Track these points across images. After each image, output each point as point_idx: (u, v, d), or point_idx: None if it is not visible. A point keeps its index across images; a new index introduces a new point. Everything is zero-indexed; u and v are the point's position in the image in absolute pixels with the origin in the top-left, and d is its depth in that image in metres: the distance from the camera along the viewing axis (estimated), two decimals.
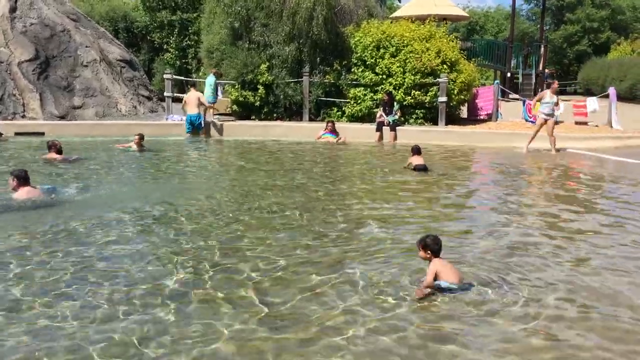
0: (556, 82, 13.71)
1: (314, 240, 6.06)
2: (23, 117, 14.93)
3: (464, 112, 17.66)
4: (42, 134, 14.11)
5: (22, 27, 16.32)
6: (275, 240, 6.00)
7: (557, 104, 12.68)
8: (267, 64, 15.73)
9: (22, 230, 6.45)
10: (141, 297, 4.55)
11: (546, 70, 28.32)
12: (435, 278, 4.66)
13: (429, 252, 4.78)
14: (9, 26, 16.21)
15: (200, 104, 14.54)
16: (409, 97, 15.40)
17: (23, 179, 7.70)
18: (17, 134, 13.93)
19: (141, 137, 12.15)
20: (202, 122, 14.71)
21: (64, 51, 16.50)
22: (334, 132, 14.24)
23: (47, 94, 15.48)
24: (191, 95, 14.60)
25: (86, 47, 16.88)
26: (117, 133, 13.75)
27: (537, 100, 13.01)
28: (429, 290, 4.63)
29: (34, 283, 4.83)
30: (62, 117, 15.19)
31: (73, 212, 7.25)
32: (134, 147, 11.99)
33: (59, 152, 10.56)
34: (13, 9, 16.63)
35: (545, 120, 12.49)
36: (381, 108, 14.82)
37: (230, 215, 7.16)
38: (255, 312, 4.25)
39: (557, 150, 12.54)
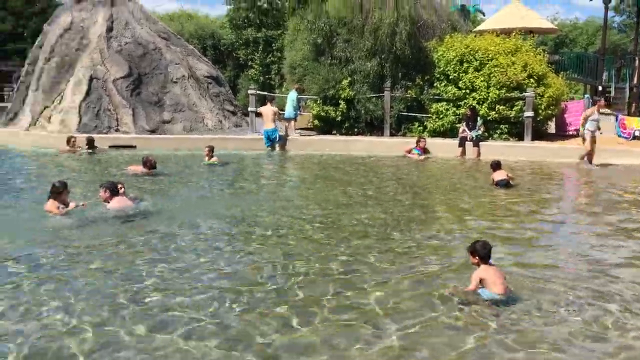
0: (602, 99, 13.65)
1: (403, 254, 5.98)
2: (117, 130, 15.73)
3: (551, 127, 16.99)
4: (134, 147, 14.81)
5: (117, 46, 17.24)
6: (378, 259, 5.98)
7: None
8: (349, 79, 15.81)
9: (114, 238, 6.75)
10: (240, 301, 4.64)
11: None
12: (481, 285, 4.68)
13: (477, 257, 4.81)
14: (106, 45, 17.16)
15: (274, 119, 14.78)
16: (493, 112, 15.00)
17: (113, 190, 8.10)
18: (110, 146, 14.69)
19: (211, 149, 12.55)
20: (278, 136, 14.94)
21: (155, 68, 17.28)
22: (423, 150, 14.06)
23: (139, 109, 16.24)
24: (266, 110, 14.90)
25: (176, 64, 17.60)
26: (203, 146, 14.21)
27: (584, 118, 12.67)
28: (463, 289, 4.70)
29: (127, 287, 5.02)
30: (152, 131, 15.87)
31: (158, 222, 7.53)
32: (206, 159, 12.38)
33: (152, 167, 11.01)
34: (109, 29, 17.60)
35: (593, 137, 12.48)
36: (464, 123, 14.52)
37: (318, 230, 7.20)
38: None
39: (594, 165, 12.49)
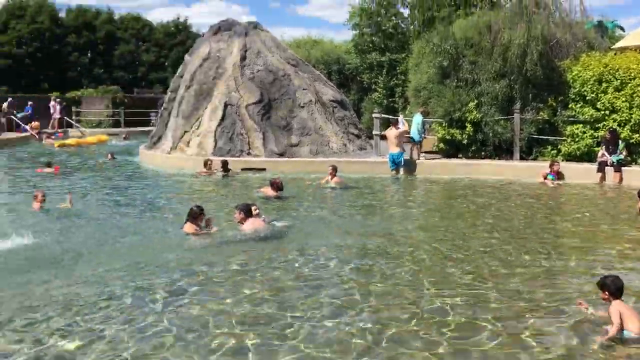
0: None
1: (545, 285, 5.74)
2: (248, 154, 16.51)
3: None
4: (264, 169, 15.46)
5: (250, 74, 18.16)
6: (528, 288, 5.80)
7: None
8: (476, 101, 15.47)
9: (243, 257, 7.06)
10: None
11: None
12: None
13: (607, 292, 4.64)
14: (240, 73, 18.14)
15: (400, 142, 14.74)
16: (637, 135, 13.97)
17: (247, 212, 8.50)
18: (243, 169, 15.44)
19: (334, 168, 12.82)
20: (403, 160, 14.87)
21: (284, 94, 17.98)
22: (557, 174, 13.40)
23: (269, 133, 16.95)
24: (391, 133, 14.92)
25: (303, 89, 18.20)
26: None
27: None
28: (614, 332, 4.40)
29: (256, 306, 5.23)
30: (281, 155, 16.48)
31: (289, 243, 7.78)
32: (330, 181, 12.61)
33: (279, 189, 11.43)
34: (243, 58, 18.61)
35: None
36: (603, 146, 13.63)
37: (444, 252, 7.09)
38: None
39: None
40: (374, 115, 17.05)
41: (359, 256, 7.17)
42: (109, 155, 18.46)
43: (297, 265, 6.74)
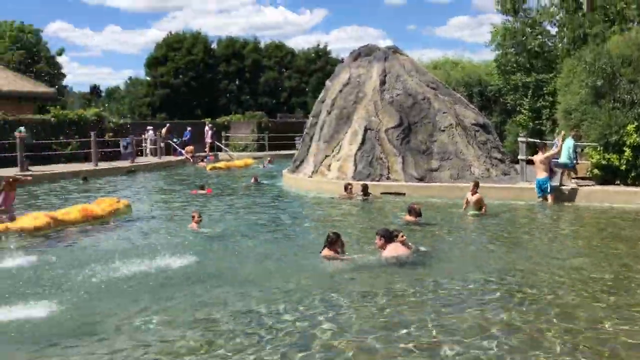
0: None
1: None
2: (387, 178, 16.53)
3: None
4: (403, 194, 15.39)
5: (389, 98, 18.26)
6: None
7: None
8: (636, 123, 14.26)
9: (387, 285, 7.02)
10: None
11: None
12: None
13: None
14: (379, 97, 18.31)
15: (547, 167, 13.94)
16: None
17: (388, 238, 8.48)
18: (382, 193, 15.50)
19: (476, 184, 12.60)
20: (551, 186, 14.03)
21: (423, 118, 17.84)
22: None
23: (408, 157, 16.87)
24: (537, 158, 14.18)
25: (443, 112, 17.94)
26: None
27: None
28: None
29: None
30: (420, 179, 16.32)
31: (428, 271, 7.63)
32: (470, 199, 12.21)
33: (418, 215, 11.31)
34: (382, 82, 18.77)
35: None
36: None
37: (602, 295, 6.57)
38: None
39: None
40: (519, 139, 16.35)
41: (499, 291, 6.82)
42: (254, 178, 19.37)
43: (436, 294, 6.59)
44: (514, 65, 23.88)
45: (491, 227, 11.13)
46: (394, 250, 8.39)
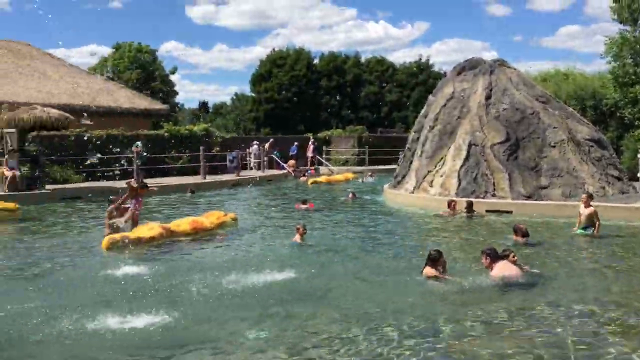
0: None
1: None
2: (493, 195, 15.98)
3: None
4: (510, 212, 14.81)
5: (495, 112, 17.70)
6: None
7: None
8: None
9: (486, 311, 6.72)
10: None
11: None
12: None
13: None
14: (484, 112, 17.80)
15: None
16: None
17: (495, 256, 8.19)
18: (487, 211, 14.99)
19: (589, 196, 12.03)
20: None
21: (532, 133, 17.12)
22: None
23: (516, 174, 16.23)
24: None
25: (554, 127, 17.13)
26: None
27: None
28: None
29: None
30: (528, 197, 15.64)
31: (539, 295, 7.24)
32: (582, 213, 11.55)
33: (525, 235, 10.83)
34: (488, 97, 18.24)
35: None
36: None
37: None
38: None
39: None
40: (639, 155, 15.29)
41: (607, 325, 6.30)
42: (351, 194, 19.28)
43: (546, 322, 6.23)
44: (633, 76, 22.37)
45: (604, 251, 10.41)
46: (502, 269, 8.08)
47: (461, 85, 19.13)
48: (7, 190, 17.85)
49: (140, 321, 6.31)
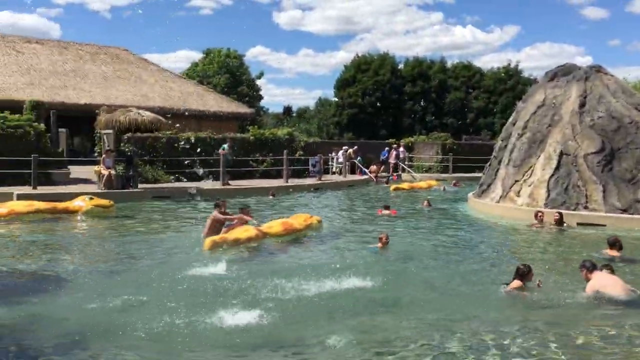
0: None
1: None
2: (585, 207, 15.23)
3: None
4: (604, 226, 14.06)
5: (590, 121, 16.86)
6: None
7: None
8: None
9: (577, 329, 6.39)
10: None
11: None
12: None
13: None
14: (578, 120, 17.00)
15: None
16: None
17: (592, 267, 7.83)
18: (578, 224, 14.31)
19: None
20: None
21: (630, 143, 16.18)
22: None
23: (611, 186, 15.40)
24: None
25: None
26: None
27: None
28: None
29: None
30: (624, 210, 14.79)
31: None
32: None
33: (620, 249, 10.28)
34: (582, 104, 17.41)
35: None
36: None
37: None
38: None
39: None
40: None
41: None
42: (426, 202, 18.71)
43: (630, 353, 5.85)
44: None
45: None
46: (601, 280, 7.62)
47: (553, 92, 18.37)
48: (103, 188, 18.90)
49: (227, 320, 6.49)
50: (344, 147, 31.28)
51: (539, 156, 16.96)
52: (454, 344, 5.84)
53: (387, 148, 33.38)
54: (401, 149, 33.74)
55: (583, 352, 5.67)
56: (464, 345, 5.82)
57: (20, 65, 32.38)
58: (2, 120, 20.37)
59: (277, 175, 26.08)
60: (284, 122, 63.35)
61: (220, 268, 9.14)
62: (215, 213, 12.07)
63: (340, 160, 30.49)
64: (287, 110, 74.87)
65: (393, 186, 25.80)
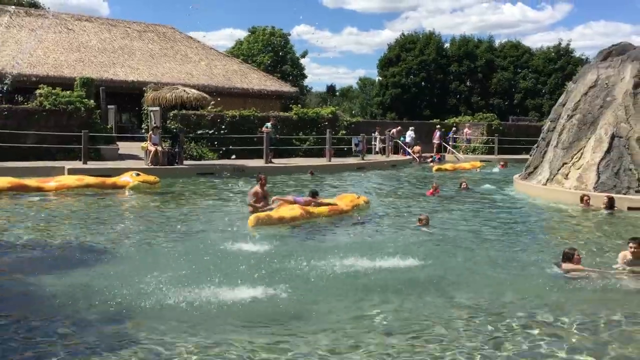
0: None
1: None
2: (637, 192, 14.74)
3: None
4: None
5: None
6: None
7: None
8: None
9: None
10: None
11: None
12: None
13: None
14: (632, 102, 16.39)
15: None
16: None
17: None
18: (629, 208, 13.89)
19: None
20: None
21: None
22: None
23: None
24: None
25: None
26: None
27: None
28: None
29: None
30: None
31: None
32: None
33: None
34: (637, 85, 16.76)
35: None
36: None
37: None
38: None
39: None
40: None
41: None
42: (464, 183, 18.19)
43: None
44: None
45: None
46: None
47: (606, 72, 17.72)
48: (150, 164, 19.31)
49: (264, 295, 6.57)
50: (398, 128, 31.76)
51: (589, 138, 16.45)
52: (502, 327, 5.77)
53: (439, 126, 33.32)
54: (467, 130, 33.61)
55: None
56: (510, 328, 5.75)
57: (71, 42, 33.15)
58: (54, 97, 20.98)
59: (320, 154, 26.13)
60: (327, 101, 63.21)
61: (261, 245, 9.22)
62: (257, 187, 12.20)
63: (379, 139, 30.44)
64: (331, 89, 74.66)
65: (436, 167, 25.53)
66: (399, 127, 32.39)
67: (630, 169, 15.26)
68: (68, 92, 21.72)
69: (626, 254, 8.07)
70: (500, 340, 5.39)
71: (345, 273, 7.65)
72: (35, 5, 44.48)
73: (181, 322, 5.75)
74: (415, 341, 5.37)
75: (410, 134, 31.91)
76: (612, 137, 15.89)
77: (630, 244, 8.03)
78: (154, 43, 36.86)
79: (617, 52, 18.24)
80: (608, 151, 15.78)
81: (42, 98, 20.89)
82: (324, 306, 6.41)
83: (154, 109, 21.43)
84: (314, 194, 12.49)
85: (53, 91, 21.23)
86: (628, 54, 17.80)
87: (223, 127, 24.21)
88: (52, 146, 20.09)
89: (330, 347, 5.19)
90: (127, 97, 30.87)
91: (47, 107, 20.65)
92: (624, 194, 14.74)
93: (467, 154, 32.92)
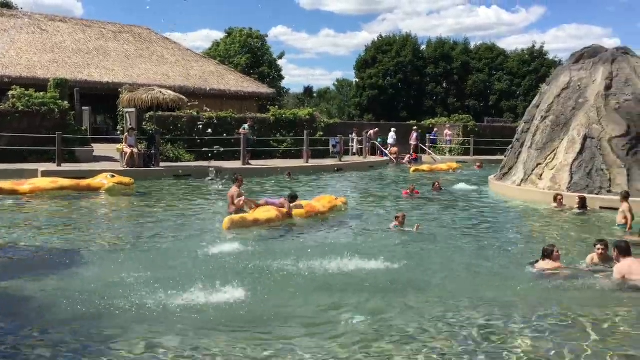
0: None
1: None
2: (608, 191, 15.03)
3: None
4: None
5: (616, 104, 16.55)
6: None
7: None
8: None
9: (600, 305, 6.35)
10: None
11: None
12: None
13: None
14: (603, 103, 16.70)
15: None
16: None
17: (625, 251, 7.72)
18: (601, 208, 14.15)
19: None
20: None
21: None
22: None
23: (635, 170, 15.16)
24: None
25: None
26: None
27: None
28: None
29: None
30: None
31: None
32: None
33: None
34: (608, 87, 17.07)
35: None
36: None
37: None
38: None
39: None
40: None
41: None
42: (436, 183, 18.18)
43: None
44: None
45: None
46: (629, 267, 7.52)
47: (578, 74, 18.03)
48: (125, 166, 19.11)
49: (236, 297, 6.50)
50: (375, 130, 31.88)
51: (563, 139, 16.73)
52: (478, 326, 5.84)
53: (415, 128, 33.51)
54: (447, 131, 33.95)
55: (607, 333, 5.65)
56: (487, 327, 5.82)
57: (44, 43, 32.65)
58: (27, 98, 20.64)
59: (298, 155, 26.12)
60: (305, 102, 63.22)
61: (235, 247, 9.16)
62: (234, 188, 12.16)
63: (356, 140, 30.54)
64: (308, 90, 74.69)
65: (413, 168, 25.70)
66: (377, 129, 32.53)
67: (602, 170, 15.55)
68: (41, 93, 21.39)
69: (593, 257, 8.23)
70: (477, 340, 5.45)
71: (322, 274, 7.66)
72: (8, 6, 43.69)
73: (158, 324, 5.71)
74: (391, 340, 5.40)
75: (392, 136, 32.10)
76: (585, 138, 16.18)
77: (598, 246, 8.18)
78: (130, 44, 36.50)
79: (589, 55, 18.57)
80: (581, 152, 16.06)
81: (14, 99, 20.53)
82: (300, 307, 6.41)
83: (130, 110, 21.22)
84: (293, 198, 12.40)
85: (26, 92, 20.88)
86: (600, 56, 18.13)
87: (200, 128, 24.06)
88: (25, 148, 19.77)
89: (307, 347, 5.20)
90: (103, 98, 30.50)
91: (20, 109, 20.30)
92: (597, 194, 15.02)
93: (443, 155, 33.21)
